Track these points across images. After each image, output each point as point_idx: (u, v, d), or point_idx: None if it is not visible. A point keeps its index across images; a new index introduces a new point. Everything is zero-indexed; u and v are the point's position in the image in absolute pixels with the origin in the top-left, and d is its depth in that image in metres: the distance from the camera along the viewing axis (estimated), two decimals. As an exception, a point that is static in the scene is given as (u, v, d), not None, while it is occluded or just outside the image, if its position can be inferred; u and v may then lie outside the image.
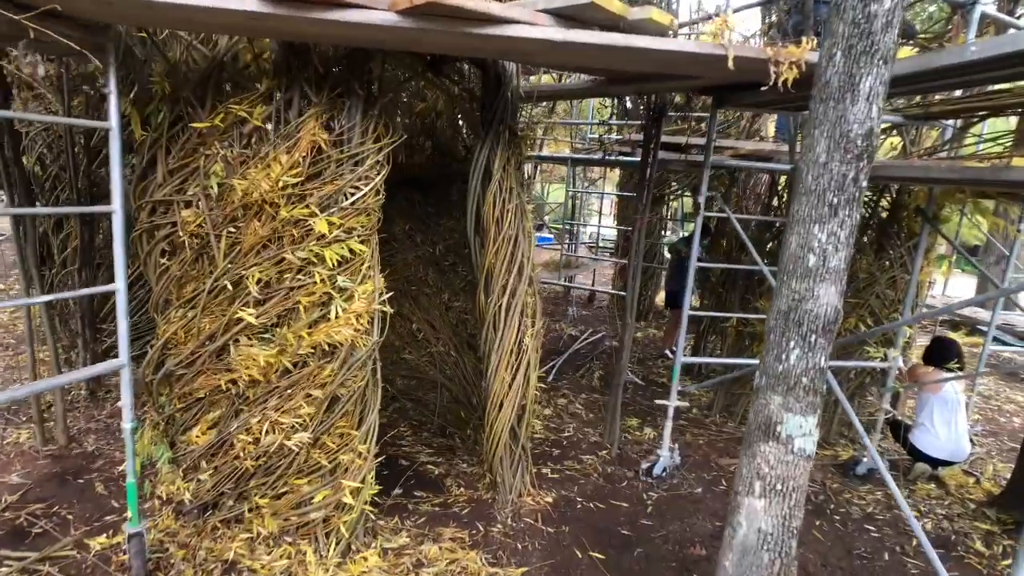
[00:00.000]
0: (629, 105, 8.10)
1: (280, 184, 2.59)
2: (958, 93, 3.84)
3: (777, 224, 4.97)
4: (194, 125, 2.62)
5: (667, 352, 7.21)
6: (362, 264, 2.76)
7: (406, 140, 4.40)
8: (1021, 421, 6.11)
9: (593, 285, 10.66)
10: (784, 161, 4.42)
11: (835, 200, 1.89)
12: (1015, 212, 4.88)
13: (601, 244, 11.68)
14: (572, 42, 2.15)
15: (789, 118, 4.03)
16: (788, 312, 2.00)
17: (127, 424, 2.77)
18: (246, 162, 2.65)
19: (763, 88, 2.29)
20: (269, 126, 2.60)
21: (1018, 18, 5.66)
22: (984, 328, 5.89)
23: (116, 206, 2.61)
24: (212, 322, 2.83)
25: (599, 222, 10.83)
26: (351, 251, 2.72)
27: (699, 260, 3.73)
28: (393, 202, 4.70)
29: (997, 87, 3.30)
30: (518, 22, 2.10)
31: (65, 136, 4.29)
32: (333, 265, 2.68)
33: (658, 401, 4.38)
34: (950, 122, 4.19)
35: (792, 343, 1.99)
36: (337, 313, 2.72)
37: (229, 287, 2.72)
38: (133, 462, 2.87)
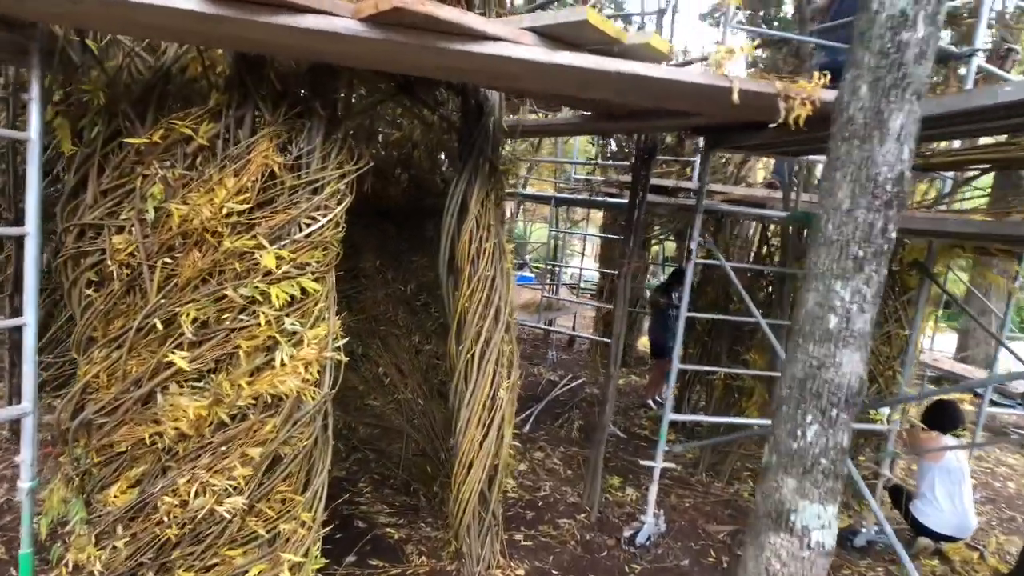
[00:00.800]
0: (614, 147, 8.01)
1: (224, 211, 2.27)
2: (956, 144, 3.71)
3: (766, 273, 4.76)
4: (129, 141, 2.30)
5: (650, 402, 6.89)
6: (315, 305, 2.43)
7: (380, 171, 4.13)
8: (1015, 486, 5.86)
9: (574, 328, 10.37)
10: (778, 208, 4.24)
11: (860, 253, 1.63)
12: (1015, 268, 4.73)
13: (583, 286, 11.46)
14: (560, 65, 1.91)
15: (784, 163, 3.85)
16: (805, 381, 1.71)
17: (24, 484, 2.36)
18: (188, 184, 2.33)
19: (771, 126, 2.06)
20: (218, 145, 2.30)
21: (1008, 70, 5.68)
22: (979, 389, 5.69)
23: (31, 228, 2.27)
24: (139, 365, 2.45)
25: (581, 263, 10.63)
26: (302, 290, 2.38)
27: (678, 308, 3.46)
28: (364, 235, 4.40)
29: (1002, 140, 3.16)
30: (500, 39, 1.85)
31: (7, 150, 3.94)
32: (280, 305, 2.34)
33: (643, 462, 4.04)
34: (949, 174, 4.05)
35: (809, 417, 1.70)
36: (283, 360, 2.37)
37: (159, 326, 2.36)
38: (29, 528, 2.44)
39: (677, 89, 2.06)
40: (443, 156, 4.05)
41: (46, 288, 4.43)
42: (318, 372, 2.45)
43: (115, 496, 2.60)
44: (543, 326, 8.43)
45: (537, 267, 13.16)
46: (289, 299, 2.36)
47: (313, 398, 2.45)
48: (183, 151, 2.34)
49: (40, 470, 2.73)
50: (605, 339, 7.61)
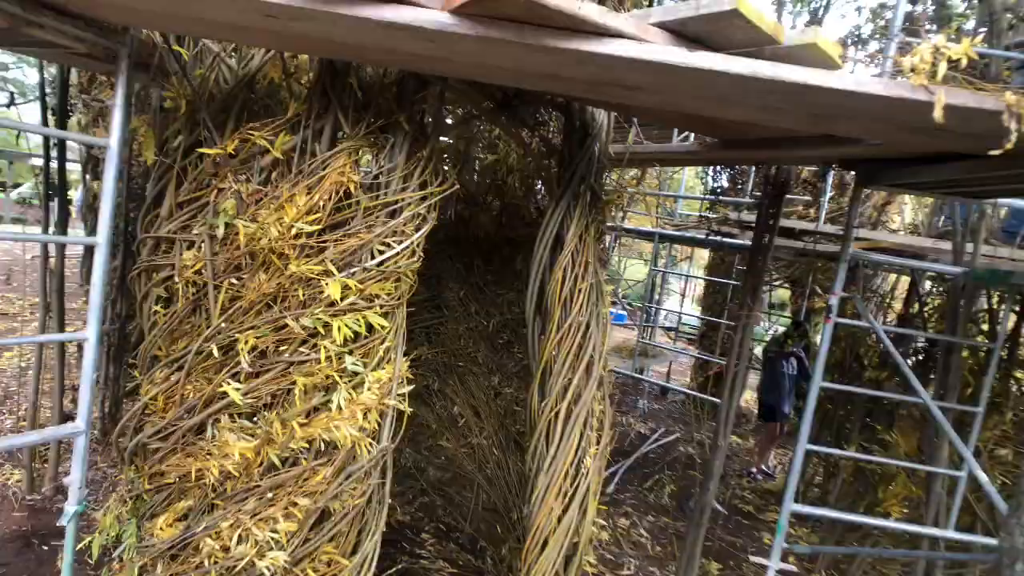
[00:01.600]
0: (724, 180, 7.36)
1: (293, 231, 2.04)
2: None
3: (920, 339, 3.96)
4: (205, 151, 2.15)
5: (755, 471, 6.07)
6: (380, 343, 2.13)
7: (471, 197, 3.88)
8: None
9: (668, 377, 9.60)
10: (946, 261, 3.49)
11: None
12: None
13: (681, 330, 10.67)
14: (700, 70, 1.50)
15: (956, 207, 3.15)
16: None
17: (71, 507, 2.21)
18: (261, 200, 2.13)
19: (993, 153, 1.51)
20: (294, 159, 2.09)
21: None
22: None
23: (100, 238, 2.15)
24: (195, 391, 2.26)
25: (681, 305, 9.91)
26: (368, 325, 2.09)
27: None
28: (448, 264, 4.15)
29: None
30: (622, 35, 1.47)
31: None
32: (343, 341, 2.06)
33: (754, 558, 3.38)
34: None
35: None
36: (340, 404, 2.08)
37: (215, 352, 2.15)
38: (72, 556, 2.28)
39: (852, 105, 1.58)
40: (539, 184, 3.72)
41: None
42: (377, 421, 2.14)
43: (162, 528, 2.41)
44: (635, 373, 7.81)
45: (631, 306, 12.50)
46: (353, 335, 2.08)
47: (369, 451, 2.13)
48: (259, 164, 2.15)
49: (89, 492, 2.62)
50: (705, 395, 6.89)
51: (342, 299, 2.05)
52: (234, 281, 2.22)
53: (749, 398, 8.74)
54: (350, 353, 2.09)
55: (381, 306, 2.11)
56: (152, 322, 2.43)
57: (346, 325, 2.05)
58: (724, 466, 6.38)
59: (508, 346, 3.93)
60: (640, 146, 3.89)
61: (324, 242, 2.06)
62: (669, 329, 10.51)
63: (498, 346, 3.96)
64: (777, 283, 8.18)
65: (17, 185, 14.58)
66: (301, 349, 2.13)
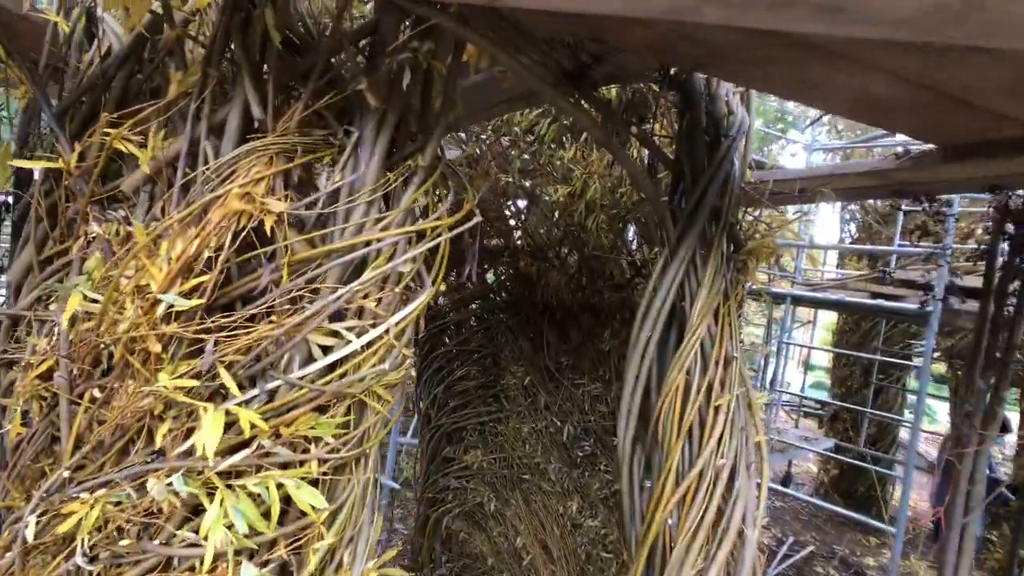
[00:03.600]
0: (909, 219, 5.81)
1: (160, 309, 1.06)
2: None
3: None
4: (48, 165, 1.24)
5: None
6: (317, 538, 1.05)
7: (537, 249, 2.82)
8: None
9: (790, 464, 7.80)
10: None
11: None
12: None
13: (805, 407, 8.85)
14: None
15: None
16: None
17: None
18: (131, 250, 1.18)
19: None
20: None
21: None
22: None
23: None
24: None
25: (805, 378, 8.21)
26: (287, 499, 1.03)
27: None
28: (509, 339, 3.08)
29: None
30: None
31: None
32: (245, 529, 1.00)
33: None
34: None
35: None
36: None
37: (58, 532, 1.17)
38: None
39: None
40: (632, 226, 2.63)
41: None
42: None
43: None
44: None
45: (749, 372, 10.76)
46: (262, 515, 1.03)
47: None
48: (132, 185, 1.21)
49: None
50: (851, 515, 5.12)
51: (238, 445, 1.01)
52: (97, 394, 1.26)
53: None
54: (251, 558, 1.03)
55: (323, 461, 1.05)
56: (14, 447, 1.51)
57: (249, 503, 1.00)
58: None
59: (591, 460, 2.75)
60: (776, 170, 2.69)
61: (209, 331, 1.05)
62: (790, 407, 8.72)
63: (576, 459, 2.78)
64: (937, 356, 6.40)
65: None
66: (180, 534, 1.10)
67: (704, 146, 1.54)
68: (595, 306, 2.60)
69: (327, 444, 1.03)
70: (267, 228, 1.03)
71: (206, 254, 1.02)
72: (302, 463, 1.02)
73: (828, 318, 8.67)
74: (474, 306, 3.18)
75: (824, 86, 1.38)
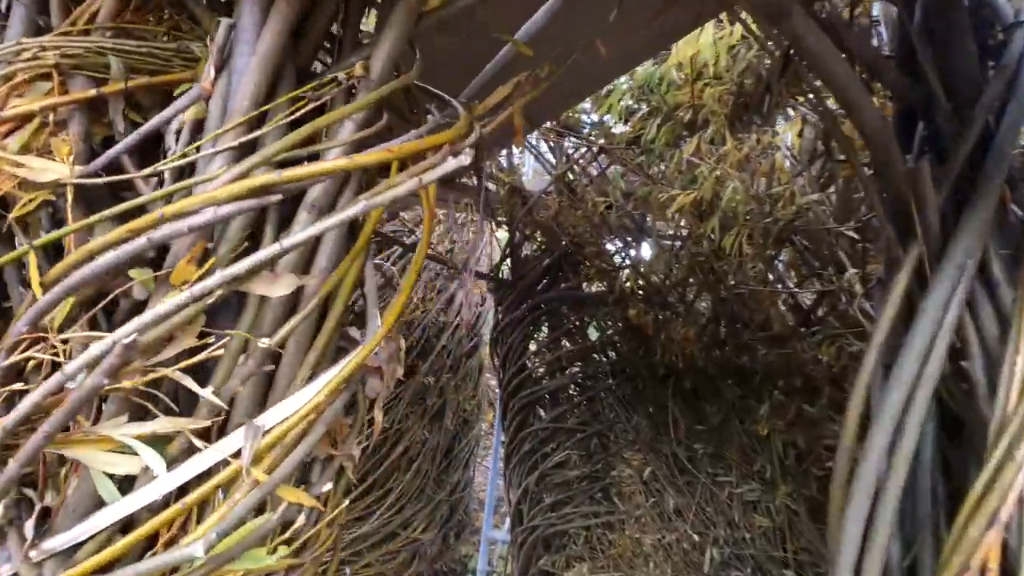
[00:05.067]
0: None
1: None
2: None
3: None
4: None
5: None
6: None
7: (652, 291, 2.09)
8: None
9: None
10: None
11: None
12: None
13: None
14: None
15: None
16: None
17: None
18: None
19: None
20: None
21: None
22: None
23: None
24: None
25: None
26: None
27: None
28: (621, 415, 2.32)
29: None
30: None
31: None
32: None
33: None
34: None
35: None
36: None
37: None
38: None
39: None
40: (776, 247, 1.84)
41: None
42: None
43: None
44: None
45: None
46: None
47: None
48: None
49: None
50: None
51: None
52: None
53: None
54: None
55: None
56: None
57: None
58: None
59: (747, 598, 1.86)
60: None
61: None
62: None
63: (724, 592, 1.91)
64: None
65: None
66: None
67: (973, 47, 0.78)
68: (743, 368, 1.79)
69: None
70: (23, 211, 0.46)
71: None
72: None
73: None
74: (574, 369, 2.50)
75: None
